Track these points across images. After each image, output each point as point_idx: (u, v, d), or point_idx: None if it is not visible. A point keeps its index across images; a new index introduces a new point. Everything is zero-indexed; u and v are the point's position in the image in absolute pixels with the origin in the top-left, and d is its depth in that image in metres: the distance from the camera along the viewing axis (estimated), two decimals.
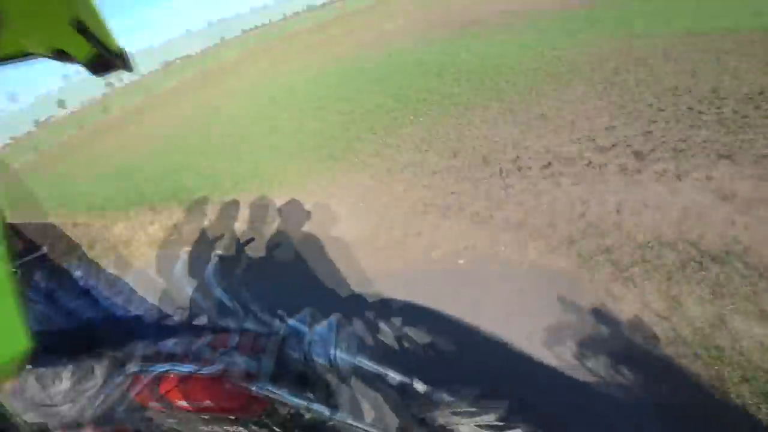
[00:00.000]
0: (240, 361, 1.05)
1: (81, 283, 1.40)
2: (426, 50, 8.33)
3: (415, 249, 3.08)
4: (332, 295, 2.79)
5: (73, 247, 1.43)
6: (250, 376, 1.04)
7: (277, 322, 1.16)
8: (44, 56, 0.76)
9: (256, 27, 27.43)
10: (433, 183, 3.79)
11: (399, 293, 2.61)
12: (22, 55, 0.75)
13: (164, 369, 1.10)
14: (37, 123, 22.26)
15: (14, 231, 1.29)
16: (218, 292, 1.24)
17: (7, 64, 0.75)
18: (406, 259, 3.03)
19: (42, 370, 1.13)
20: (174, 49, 27.41)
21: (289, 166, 5.16)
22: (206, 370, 1.04)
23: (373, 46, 10.77)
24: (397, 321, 2.23)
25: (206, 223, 4.40)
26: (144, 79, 21.43)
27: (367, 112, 5.92)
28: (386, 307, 2.51)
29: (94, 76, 0.82)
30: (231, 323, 1.17)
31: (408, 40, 10.04)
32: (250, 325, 1.16)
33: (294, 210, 3.96)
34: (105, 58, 0.77)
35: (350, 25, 15.81)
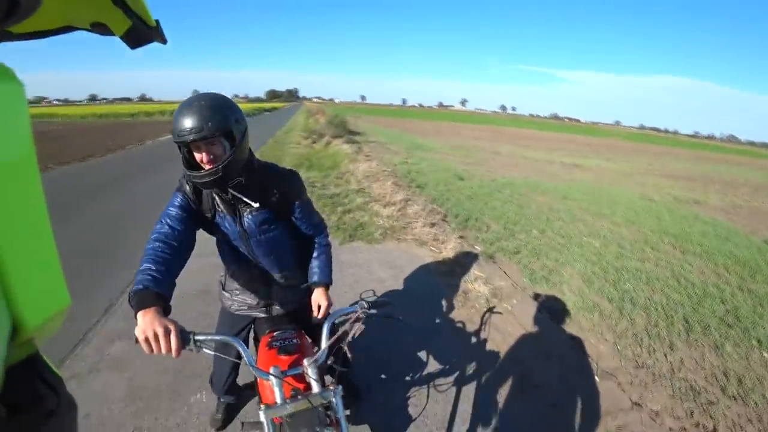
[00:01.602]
0: (276, 384, 1.18)
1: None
2: None
3: None
4: None
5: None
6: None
7: (330, 393, 1.19)
8: (84, 29, 0.78)
9: None
10: None
11: None
12: (63, 29, 0.76)
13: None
14: None
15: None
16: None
17: (49, 36, 0.77)
18: None
19: None
20: None
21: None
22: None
23: None
24: None
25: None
26: None
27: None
28: None
29: (130, 48, 0.83)
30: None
31: None
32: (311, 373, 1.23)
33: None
34: (141, 31, 0.78)
35: None
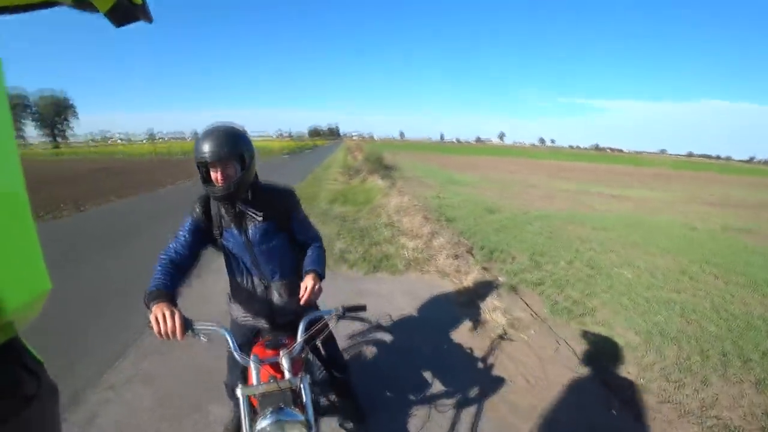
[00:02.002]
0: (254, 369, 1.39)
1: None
2: None
3: None
4: None
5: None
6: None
7: (298, 379, 1.36)
8: (66, 4, 0.74)
9: None
10: None
11: None
12: (42, 4, 0.73)
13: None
14: None
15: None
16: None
17: (32, 10, 0.73)
18: None
19: None
20: None
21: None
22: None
23: None
24: None
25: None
26: None
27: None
28: None
29: (114, 27, 0.82)
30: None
31: None
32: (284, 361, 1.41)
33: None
34: (126, 9, 0.77)
35: None
